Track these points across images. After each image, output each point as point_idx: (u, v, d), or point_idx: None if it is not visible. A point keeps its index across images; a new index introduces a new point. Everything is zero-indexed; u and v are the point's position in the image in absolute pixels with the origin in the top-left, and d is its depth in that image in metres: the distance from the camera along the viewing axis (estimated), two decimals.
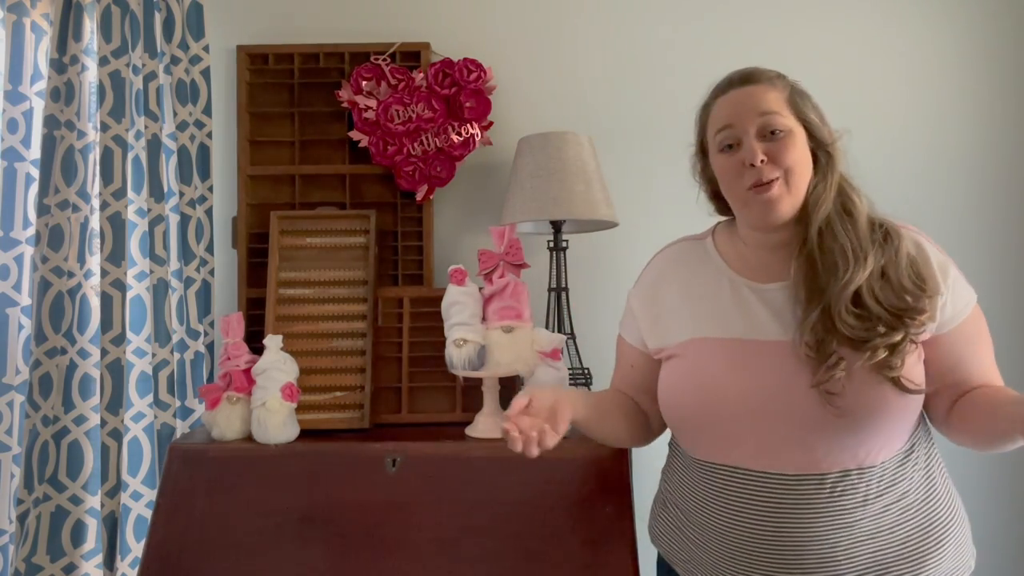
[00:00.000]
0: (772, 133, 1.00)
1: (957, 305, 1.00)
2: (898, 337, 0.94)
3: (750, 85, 1.03)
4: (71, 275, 1.68)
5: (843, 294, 0.95)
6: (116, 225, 1.70)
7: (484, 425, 1.46)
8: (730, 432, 1.03)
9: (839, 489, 0.98)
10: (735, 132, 1.02)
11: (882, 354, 0.94)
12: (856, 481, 0.98)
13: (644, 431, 1.23)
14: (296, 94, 1.85)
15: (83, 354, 1.68)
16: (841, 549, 0.98)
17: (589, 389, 1.65)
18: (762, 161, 0.99)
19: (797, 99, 1.03)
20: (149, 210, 1.73)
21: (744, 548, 1.02)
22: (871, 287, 0.97)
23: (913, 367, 0.98)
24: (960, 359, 1.02)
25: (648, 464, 1.65)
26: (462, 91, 1.81)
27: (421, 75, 1.82)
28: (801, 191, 1.01)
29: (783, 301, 1.02)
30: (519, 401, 1.03)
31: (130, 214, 1.71)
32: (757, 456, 1.01)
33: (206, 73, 1.80)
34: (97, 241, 1.71)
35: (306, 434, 1.48)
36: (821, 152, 1.02)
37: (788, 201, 1.01)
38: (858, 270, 0.96)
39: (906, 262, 0.98)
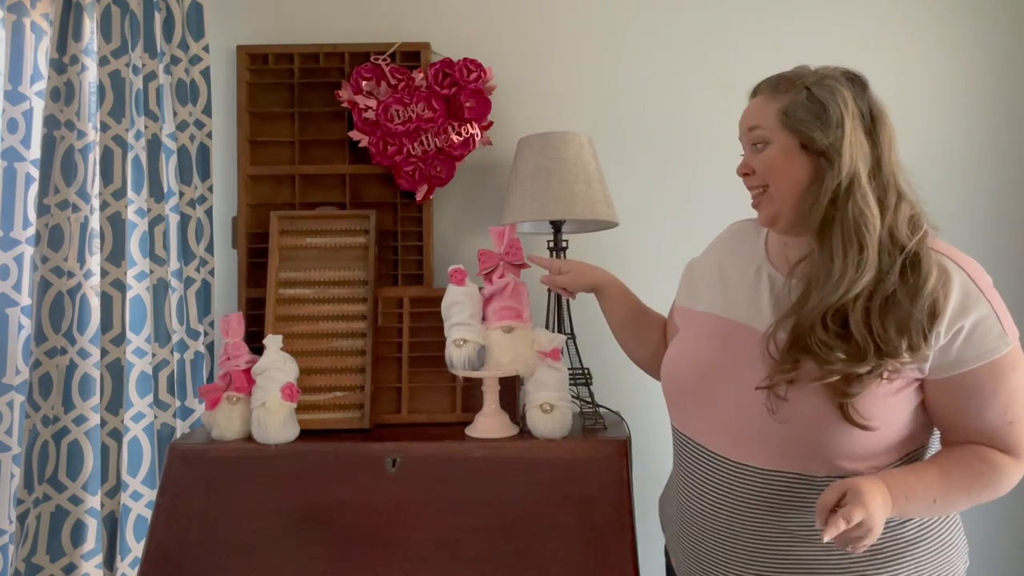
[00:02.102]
0: (758, 145, 1.05)
1: (966, 353, 0.94)
2: (863, 369, 0.92)
3: (753, 98, 1.08)
4: (71, 275, 1.68)
5: (817, 308, 0.95)
6: (116, 225, 1.70)
7: (484, 425, 1.46)
8: (692, 404, 1.10)
9: (777, 487, 1.00)
10: (742, 145, 1.10)
11: (836, 377, 0.93)
12: (795, 485, 0.99)
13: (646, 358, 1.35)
14: (296, 94, 1.85)
15: (83, 354, 1.68)
16: (775, 544, 1.01)
17: (589, 389, 1.65)
18: (745, 174, 1.07)
19: (794, 108, 1.01)
20: (149, 210, 1.73)
21: (689, 517, 1.10)
22: (864, 310, 0.94)
23: (874, 400, 0.94)
24: (958, 410, 0.97)
25: (648, 464, 1.66)
26: (462, 91, 1.80)
27: (421, 75, 1.81)
28: (786, 199, 1.02)
29: (785, 295, 1.04)
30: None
31: (130, 214, 1.71)
32: (710, 435, 1.07)
33: (206, 73, 1.80)
34: (97, 241, 1.71)
35: (306, 434, 1.48)
36: (822, 159, 0.99)
37: (770, 209, 1.04)
38: (840, 287, 0.94)
39: (926, 302, 0.93)
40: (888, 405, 0.95)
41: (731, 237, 1.22)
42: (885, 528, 0.98)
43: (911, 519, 1.00)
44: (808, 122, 1.00)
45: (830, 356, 0.93)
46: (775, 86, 1.05)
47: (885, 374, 0.93)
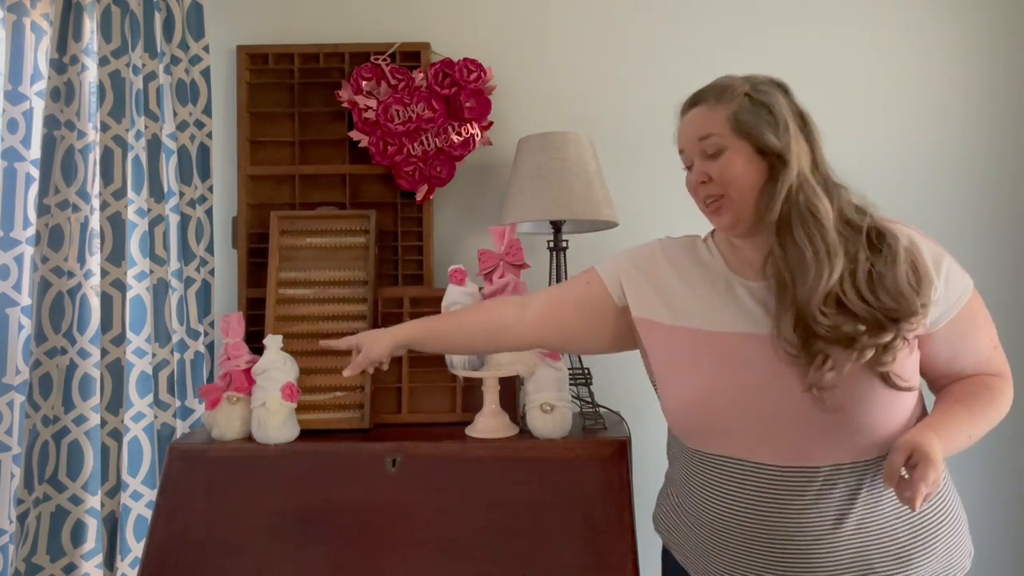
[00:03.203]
0: (712, 155, 1.05)
1: (951, 299, 1.02)
2: (887, 337, 0.96)
3: (694, 108, 1.09)
4: (71, 275, 1.68)
5: (812, 298, 0.97)
6: (116, 225, 1.70)
7: (484, 425, 1.46)
8: (726, 425, 1.06)
9: (831, 482, 1.00)
10: (687, 156, 1.10)
11: (870, 353, 0.96)
12: (848, 475, 1.01)
13: (497, 341, 1.25)
14: (296, 94, 1.85)
15: (83, 354, 1.68)
16: (827, 541, 1.00)
17: (589, 389, 1.65)
18: (703, 182, 1.06)
19: (742, 113, 1.04)
20: (149, 210, 1.73)
21: (734, 535, 1.05)
22: (855, 288, 0.97)
23: (904, 363, 0.98)
24: (955, 354, 1.04)
25: (648, 464, 1.66)
26: (462, 91, 1.80)
27: (421, 75, 1.82)
28: (747, 201, 1.04)
29: (769, 296, 1.05)
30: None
31: (130, 214, 1.71)
32: (752, 448, 1.04)
33: (206, 73, 1.80)
34: (97, 241, 1.71)
35: (306, 434, 1.48)
36: (776, 160, 1.02)
37: (733, 214, 1.05)
38: (822, 274, 0.97)
39: (905, 266, 0.98)
40: (911, 364, 1.01)
41: (674, 250, 1.18)
42: (914, 513, 1.02)
43: (932, 507, 1.04)
44: (759, 126, 1.03)
45: (854, 335, 0.96)
46: (716, 95, 1.07)
47: (909, 335, 0.98)
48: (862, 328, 0.96)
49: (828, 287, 0.97)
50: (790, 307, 1.00)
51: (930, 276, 0.99)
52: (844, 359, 0.96)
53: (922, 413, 1.08)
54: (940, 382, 1.08)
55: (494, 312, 1.25)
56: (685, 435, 1.14)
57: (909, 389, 0.98)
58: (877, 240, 1.00)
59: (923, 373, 1.06)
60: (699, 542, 1.11)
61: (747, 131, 1.03)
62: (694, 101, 1.10)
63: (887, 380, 0.97)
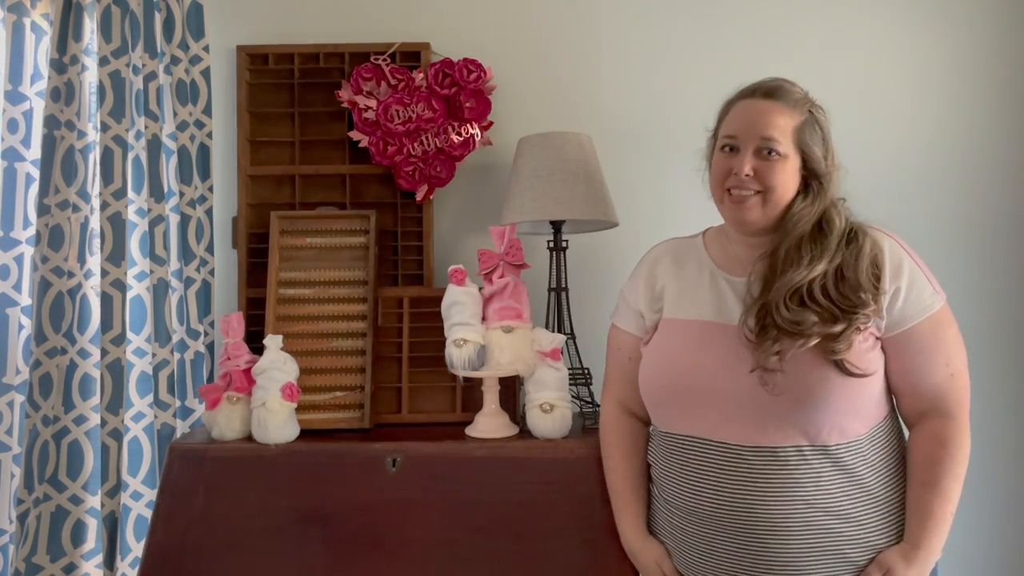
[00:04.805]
0: (768, 152, 1.09)
1: (908, 311, 1.06)
2: (837, 328, 1.01)
3: (769, 101, 1.11)
4: (71, 275, 1.68)
5: (782, 290, 1.04)
6: (116, 225, 1.70)
7: (484, 425, 1.46)
8: (692, 404, 1.12)
9: (792, 463, 1.05)
10: (736, 142, 1.12)
11: (815, 340, 1.01)
12: (810, 457, 1.04)
13: (646, 441, 1.30)
14: (296, 94, 1.85)
15: (83, 354, 1.68)
16: (795, 521, 1.04)
17: (589, 389, 1.65)
18: (747, 175, 1.09)
19: (806, 128, 1.10)
20: (149, 210, 1.73)
21: (703, 514, 1.10)
22: (823, 285, 1.04)
23: (863, 355, 1.04)
24: (911, 367, 1.07)
25: None
26: (462, 91, 1.80)
27: (421, 75, 1.81)
28: (777, 208, 1.10)
29: (746, 291, 1.11)
30: None
31: (130, 214, 1.71)
32: (716, 427, 1.09)
33: (206, 73, 1.80)
34: (97, 241, 1.71)
35: (306, 434, 1.48)
36: (814, 180, 1.10)
37: (760, 214, 1.10)
38: (802, 272, 1.04)
39: (867, 261, 1.05)
40: (872, 357, 1.05)
41: (665, 253, 1.26)
42: (883, 502, 1.07)
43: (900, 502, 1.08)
44: (813, 148, 1.10)
45: (802, 329, 1.01)
46: (789, 101, 1.10)
47: (861, 326, 1.03)
48: (814, 319, 1.01)
49: (800, 283, 1.03)
50: (761, 299, 1.06)
51: (884, 273, 1.05)
52: (790, 346, 1.02)
53: (891, 411, 1.13)
54: (903, 402, 1.12)
55: (620, 442, 1.28)
56: (654, 413, 1.20)
57: (861, 375, 1.02)
58: (849, 239, 1.08)
59: (892, 385, 1.10)
60: (677, 528, 1.15)
61: (803, 148, 1.09)
62: (768, 93, 1.11)
63: (840, 366, 1.02)
